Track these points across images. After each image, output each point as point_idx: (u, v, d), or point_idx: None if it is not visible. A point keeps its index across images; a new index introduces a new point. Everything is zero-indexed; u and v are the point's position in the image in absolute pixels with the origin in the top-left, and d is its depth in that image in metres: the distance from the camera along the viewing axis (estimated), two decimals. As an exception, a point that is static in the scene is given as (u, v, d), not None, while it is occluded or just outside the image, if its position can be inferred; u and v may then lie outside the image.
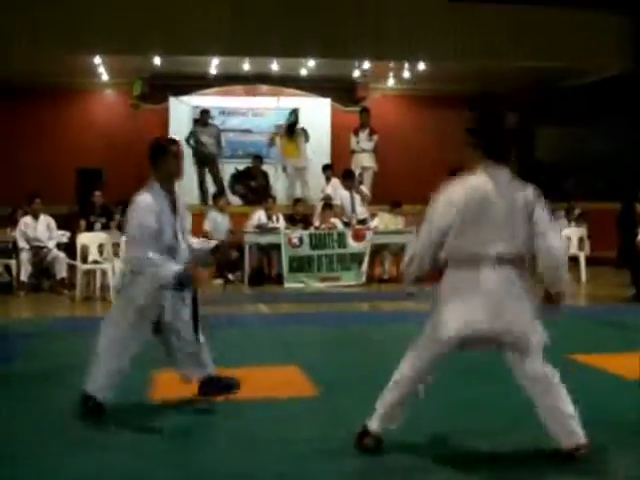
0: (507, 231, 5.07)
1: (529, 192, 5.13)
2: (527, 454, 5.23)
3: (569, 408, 5.06)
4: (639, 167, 18.33)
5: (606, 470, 5.02)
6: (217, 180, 19.09)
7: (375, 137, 18.75)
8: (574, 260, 16.27)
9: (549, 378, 5.08)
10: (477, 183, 5.08)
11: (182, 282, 5.96)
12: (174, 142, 6.69)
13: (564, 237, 16.33)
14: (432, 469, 5.00)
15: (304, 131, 19.13)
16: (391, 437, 5.22)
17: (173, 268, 5.98)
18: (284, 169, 19.35)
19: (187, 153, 19.27)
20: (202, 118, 19.13)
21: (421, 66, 19.34)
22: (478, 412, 6.21)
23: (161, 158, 6.34)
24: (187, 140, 18.72)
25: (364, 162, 18.79)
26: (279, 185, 19.56)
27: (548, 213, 5.19)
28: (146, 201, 6.17)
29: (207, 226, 15.92)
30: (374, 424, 5.22)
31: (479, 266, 5.05)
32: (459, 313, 5.04)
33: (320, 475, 4.95)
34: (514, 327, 5.03)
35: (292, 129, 19.12)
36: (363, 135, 18.83)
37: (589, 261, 16.39)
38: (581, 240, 16.66)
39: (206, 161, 19.03)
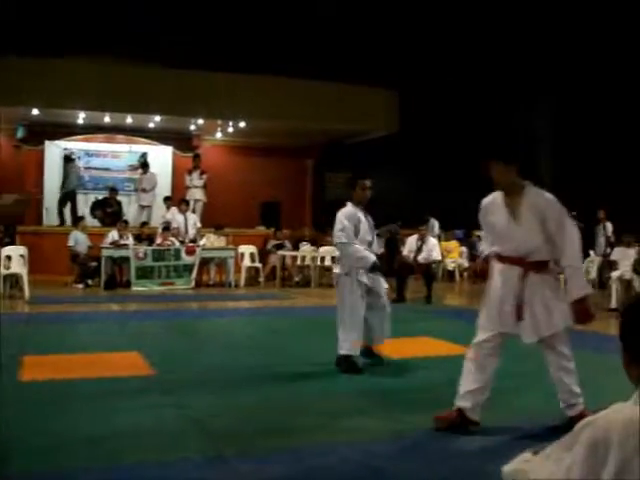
0: None
1: None
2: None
3: None
4: (400, 204, 18.99)
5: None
6: (75, 208, 18.63)
7: (204, 176, 18.85)
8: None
9: None
10: None
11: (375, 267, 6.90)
12: (363, 177, 7.10)
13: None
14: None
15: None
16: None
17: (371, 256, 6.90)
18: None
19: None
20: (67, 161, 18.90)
21: (242, 124, 19.51)
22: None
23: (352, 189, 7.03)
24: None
25: (196, 195, 18.77)
26: (132, 210, 19.46)
27: None
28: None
29: (71, 242, 15.66)
30: None
31: None
32: None
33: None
34: None
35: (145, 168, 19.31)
36: (195, 175, 18.88)
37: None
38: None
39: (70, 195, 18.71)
